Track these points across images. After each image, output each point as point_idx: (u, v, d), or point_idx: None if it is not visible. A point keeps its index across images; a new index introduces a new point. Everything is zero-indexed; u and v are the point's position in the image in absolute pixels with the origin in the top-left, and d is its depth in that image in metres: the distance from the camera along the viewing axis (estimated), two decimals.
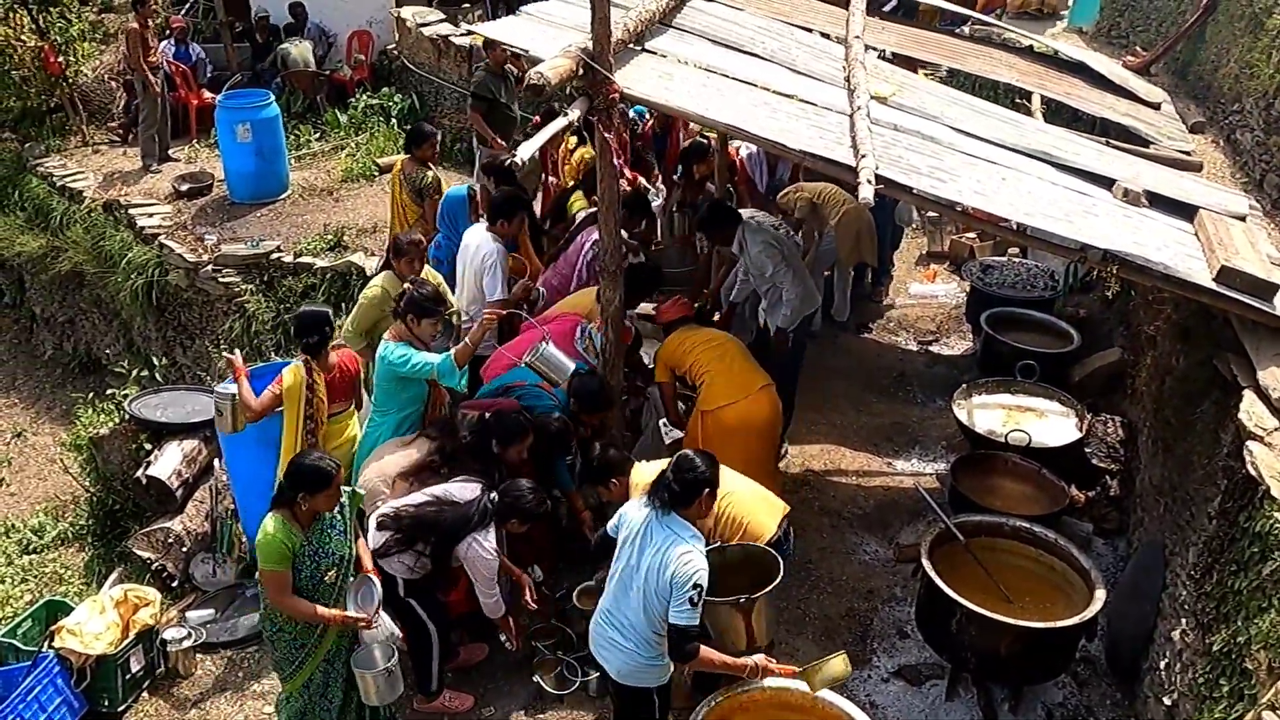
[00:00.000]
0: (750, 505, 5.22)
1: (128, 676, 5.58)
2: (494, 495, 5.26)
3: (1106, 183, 6.13)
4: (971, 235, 10.17)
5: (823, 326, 9.04)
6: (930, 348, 9.15)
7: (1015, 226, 5.15)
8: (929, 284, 9.97)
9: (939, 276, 10.12)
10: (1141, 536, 6.30)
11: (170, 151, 12.81)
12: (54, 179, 12.63)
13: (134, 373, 8.18)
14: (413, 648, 5.44)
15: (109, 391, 7.87)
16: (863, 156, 5.27)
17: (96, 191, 12.19)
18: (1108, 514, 6.73)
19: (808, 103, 6.18)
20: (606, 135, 5.40)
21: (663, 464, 5.64)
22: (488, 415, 5.62)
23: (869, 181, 5.00)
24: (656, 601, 4.47)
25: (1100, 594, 5.26)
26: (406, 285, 6.13)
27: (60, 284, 12.39)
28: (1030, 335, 8.07)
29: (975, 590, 5.35)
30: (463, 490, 5.26)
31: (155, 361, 9.45)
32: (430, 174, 8.37)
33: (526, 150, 4.89)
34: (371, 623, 4.83)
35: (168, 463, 6.64)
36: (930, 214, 10.35)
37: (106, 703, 5.55)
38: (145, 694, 5.74)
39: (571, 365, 5.93)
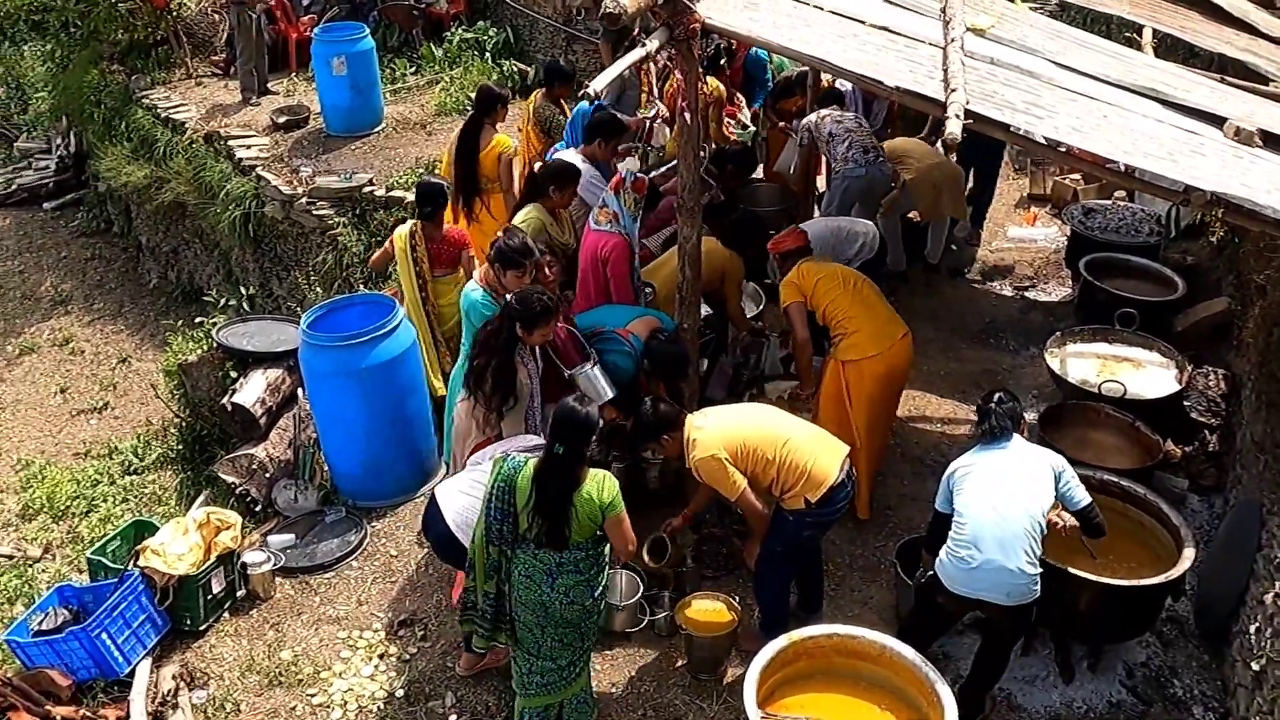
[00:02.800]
0: (811, 450, 5.09)
1: (209, 597, 5.73)
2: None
3: (1218, 121, 5.78)
4: (1075, 177, 9.75)
5: (913, 269, 8.80)
6: (1026, 294, 8.84)
7: (1113, 166, 4.88)
8: (1028, 227, 9.61)
9: (1039, 220, 9.74)
10: (1239, 494, 6.04)
11: (269, 84, 12.94)
12: (158, 110, 12.85)
13: (223, 301, 8.34)
14: None
15: (199, 320, 8.04)
16: (952, 91, 5.03)
17: (198, 123, 12.38)
18: (1205, 470, 6.46)
19: (899, 34, 5.93)
20: (687, 68, 5.25)
21: (728, 410, 5.57)
22: (509, 298, 5.49)
23: (957, 116, 4.78)
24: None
25: (1189, 552, 5.06)
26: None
27: (164, 214, 12.71)
28: (1133, 282, 7.74)
29: (1058, 544, 5.16)
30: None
31: (244, 292, 9.62)
32: (559, 114, 8.32)
33: (600, 82, 4.77)
34: None
35: (252, 390, 6.76)
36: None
37: (189, 621, 5.72)
38: (226, 614, 5.89)
39: (609, 395, 5.72)
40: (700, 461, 5.04)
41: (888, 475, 6.68)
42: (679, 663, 5.49)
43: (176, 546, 5.64)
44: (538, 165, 7.04)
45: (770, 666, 4.64)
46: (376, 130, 11.91)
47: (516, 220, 6.62)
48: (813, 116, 8.24)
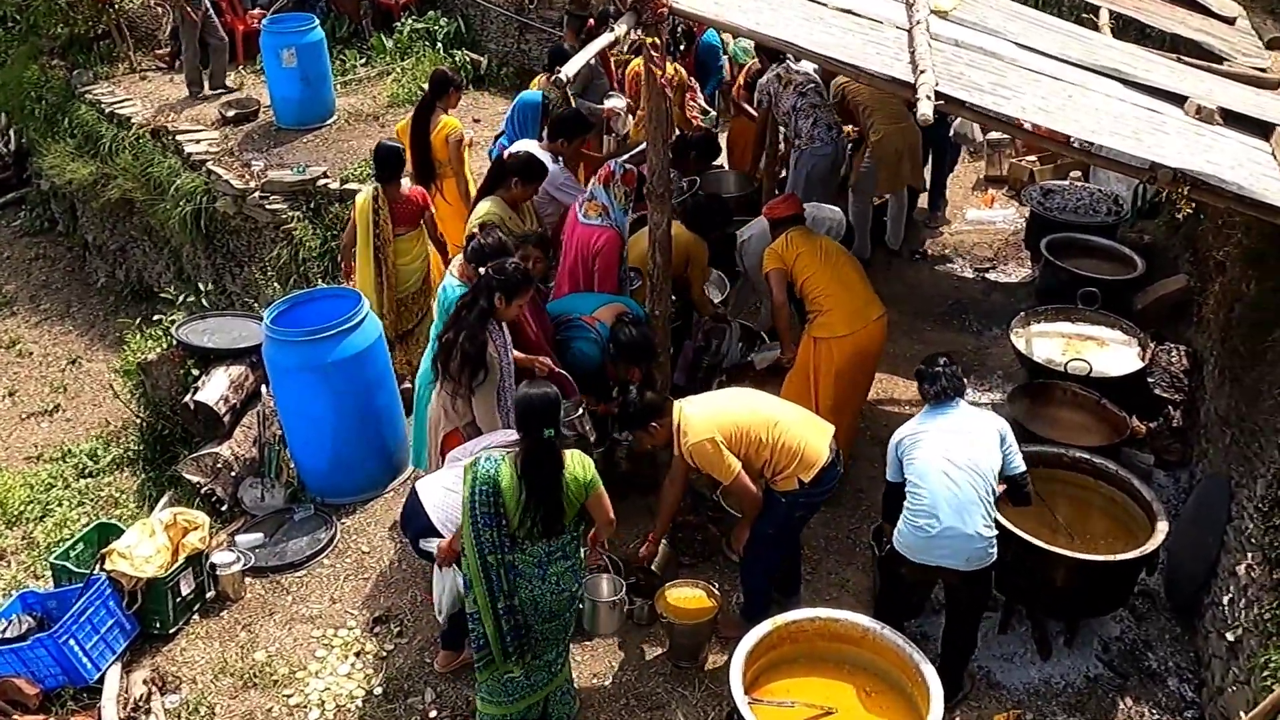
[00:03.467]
0: (802, 431, 5.09)
1: (178, 599, 5.61)
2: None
3: (1178, 100, 5.85)
4: (1032, 159, 9.84)
5: (874, 253, 8.83)
6: (987, 275, 8.92)
7: (1080, 145, 4.91)
8: (986, 209, 9.69)
9: (997, 201, 9.82)
10: (1205, 469, 6.12)
11: (227, 81, 12.68)
12: (102, 105, 12.55)
13: (181, 298, 8.18)
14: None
15: (156, 317, 7.86)
16: (921, 73, 5.04)
17: (144, 118, 12.12)
18: (1170, 445, 6.54)
19: (863, 17, 5.94)
20: (654, 53, 5.21)
21: (715, 395, 5.55)
22: (485, 269, 5.38)
23: (928, 98, 4.79)
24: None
25: (1162, 526, 5.13)
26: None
27: (111, 211, 12.40)
28: (1092, 262, 7.81)
29: (1031, 522, 5.22)
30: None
31: (200, 288, 9.42)
32: (560, 97, 8.26)
33: (572, 67, 4.72)
34: None
35: (215, 388, 6.62)
36: (990, 136, 10.05)
37: (158, 624, 5.59)
38: (196, 617, 5.78)
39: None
40: (694, 446, 5.00)
41: (858, 458, 6.69)
42: (659, 651, 5.47)
43: (143, 549, 5.52)
44: (506, 153, 6.90)
45: (755, 651, 4.64)
46: (328, 123, 11.74)
47: (475, 215, 6.52)
48: (770, 80, 8.17)
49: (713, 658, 5.41)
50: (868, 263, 8.64)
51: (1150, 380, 6.74)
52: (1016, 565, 5.10)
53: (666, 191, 5.61)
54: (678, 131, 8.17)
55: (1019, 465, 4.92)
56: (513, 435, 4.98)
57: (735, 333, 7.10)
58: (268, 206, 10.41)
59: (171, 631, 5.62)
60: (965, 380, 5.15)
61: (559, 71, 4.62)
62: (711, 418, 5.05)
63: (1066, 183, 8.94)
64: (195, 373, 6.88)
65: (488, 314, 5.26)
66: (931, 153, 9.19)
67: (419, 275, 7.28)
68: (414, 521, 4.93)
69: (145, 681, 5.34)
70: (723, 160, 9.65)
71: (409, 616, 5.74)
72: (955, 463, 4.73)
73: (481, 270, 5.36)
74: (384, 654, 5.52)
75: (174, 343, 7.09)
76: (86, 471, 9.07)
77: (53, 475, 9.20)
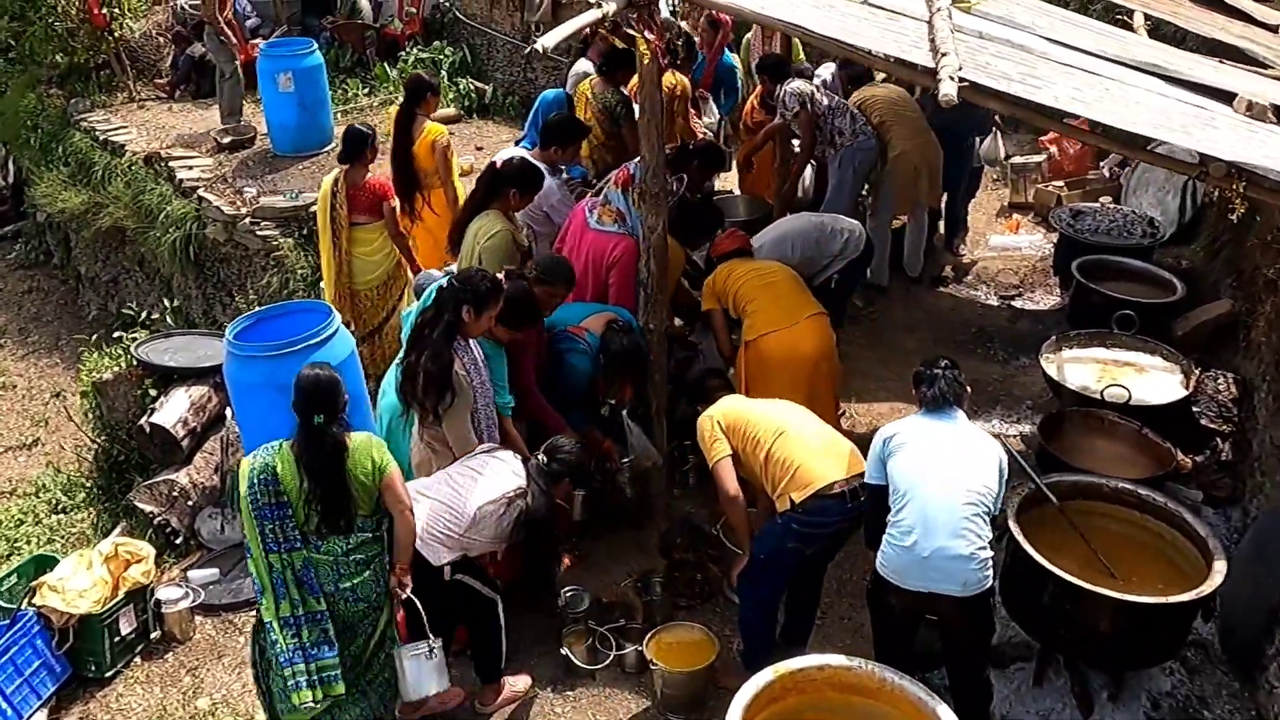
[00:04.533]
0: (808, 449, 4.56)
1: (116, 639, 5.07)
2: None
3: (1226, 98, 5.32)
4: (1059, 184, 9.32)
5: (892, 281, 8.31)
6: (1013, 303, 8.35)
7: (1123, 134, 4.40)
8: (1011, 235, 9.15)
9: (1022, 227, 9.28)
10: (1261, 504, 5.52)
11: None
12: (97, 133, 12.27)
13: (144, 316, 7.70)
14: (475, 633, 4.79)
15: (116, 334, 7.34)
16: (943, 55, 4.54)
17: (139, 145, 11.79)
18: (1219, 480, 5.93)
19: (879, 7, 5.46)
20: (647, 36, 4.73)
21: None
22: (448, 280, 4.90)
23: (951, 79, 4.27)
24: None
25: (1220, 565, 4.51)
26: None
27: (103, 241, 12.08)
28: (1127, 286, 7.26)
29: (1070, 560, 4.61)
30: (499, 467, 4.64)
31: (168, 305, 9.00)
32: (621, 101, 7.78)
33: (551, 39, 4.24)
34: None
35: (173, 410, 6.11)
36: (1014, 160, 9.56)
37: (93, 667, 5.05)
38: (138, 659, 5.23)
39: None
40: (699, 418, 4.87)
41: None
42: (649, 704, 4.87)
43: (78, 582, 4.98)
44: (499, 161, 6.35)
45: (755, 703, 4.03)
46: (326, 150, 11.30)
47: (479, 234, 5.94)
48: (801, 85, 7.64)
49: (710, 713, 4.81)
50: (885, 290, 8.19)
51: (1196, 410, 6.17)
52: (1055, 608, 4.50)
53: (662, 191, 5.10)
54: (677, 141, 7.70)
55: (998, 510, 4.38)
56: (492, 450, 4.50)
57: (706, 361, 6.50)
58: (258, 233, 9.99)
59: (108, 675, 5.09)
60: (967, 391, 4.59)
61: (534, 42, 4.13)
62: (728, 403, 4.88)
63: (1098, 205, 8.40)
64: (154, 393, 6.37)
65: (454, 329, 4.72)
66: (951, 178, 8.70)
67: (382, 270, 7.04)
68: None
69: None
70: (734, 185, 9.24)
71: None
72: (950, 474, 4.19)
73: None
74: None
75: (133, 362, 6.59)
76: (60, 507, 8.57)
77: (24, 511, 8.73)
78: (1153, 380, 6.38)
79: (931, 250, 8.71)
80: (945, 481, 4.17)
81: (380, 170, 7.40)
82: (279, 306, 6.40)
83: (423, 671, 4.30)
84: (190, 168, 11.18)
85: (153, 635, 5.28)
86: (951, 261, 8.76)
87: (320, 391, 4.16)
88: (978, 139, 8.45)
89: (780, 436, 4.60)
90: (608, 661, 4.99)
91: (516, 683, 4.89)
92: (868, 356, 7.44)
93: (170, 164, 11.25)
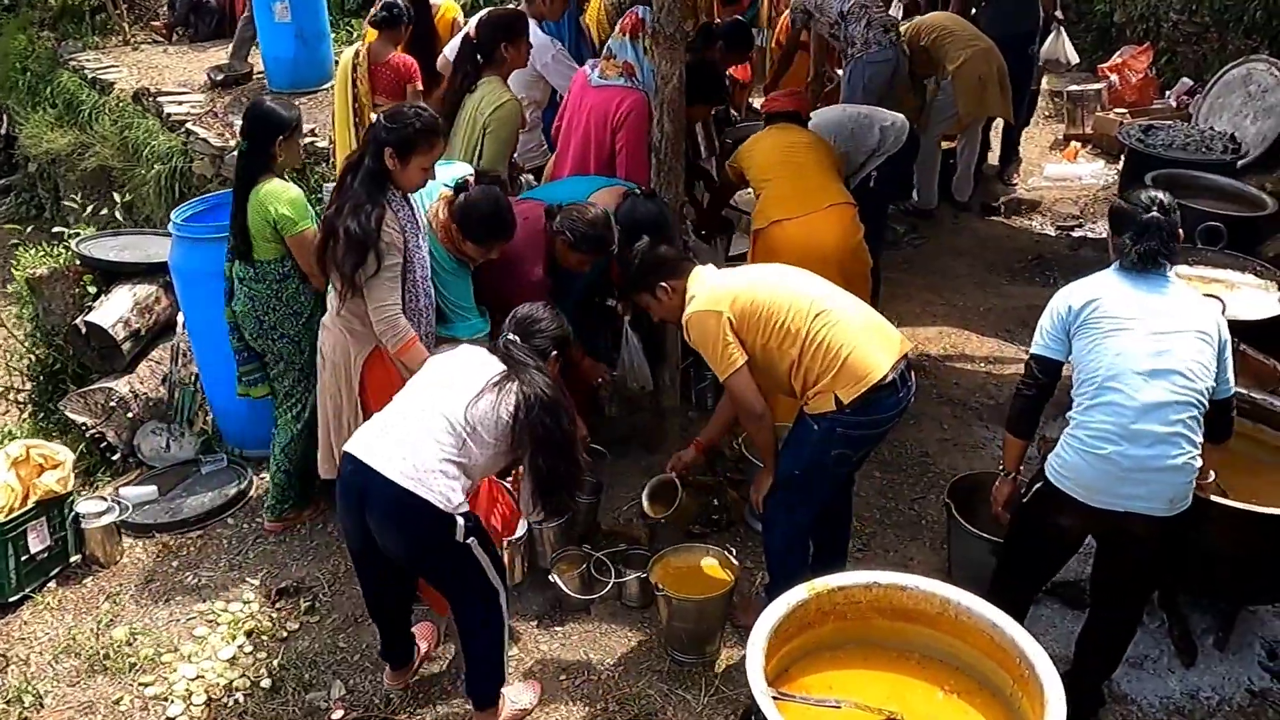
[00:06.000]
0: (854, 332, 3.59)
1: (25, 558, 4.27)
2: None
3: None
4: (1121, 110, 8.43)
5: (940, 205, 7.48)
6: (1072, 233, 7.48)
7: None
8: (1069, 164, 8.27)
9: (1081, 155, 8.40)
10: None
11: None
12: (86, 72, 11.61)
13: (90, 209, 6.92)
14: (466, 638, 3.57)
15: (55, 229, 6.51)
16: None
17: (127, 84, 11.10)
18: None
19: None
20: None
21: (752, 267, 4.35)
22: (377, 117, 3.96)
23: None
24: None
25: None
26: None
27: (89, 183, 11.35)
28: (1207, 202, 6.38)
29: None
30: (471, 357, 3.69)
31: (117, 199, 8.16)
32: None
33: None
34: None
35: (114, 309, 5.31)
36: (1070, 89, 8.69)
37: None
38: (52, 584, 4.42)
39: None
40: (694, 316, 3.67)
41: (924, 418, 5.29)
42: (654, 640, 4.04)
43: None
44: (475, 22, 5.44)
45: (784, 627, 3.14)
46: (325, 87, 10.52)
47: (482, 105, 4.91)
48: None
49: (726, 652, 3.98)
50: (931, 214, 7.37)
51: None
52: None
53: (678, 33, 4.26)
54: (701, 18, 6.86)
55: (1229, 385, 3.41)
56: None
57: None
58: None
59: (13, 600, 4.28)
60: (1178, 243, 3.44)
61: None
62: (731, 289, 3.68)
63: (1170, 122, 7.51)
64: (94, 290, 5.58)
65: (378, 177, 3.83)
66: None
67: None
68: (375, 497, 3.28)
69: None
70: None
71: (325, 590, 4.35)
72: (1165, 362, 3.22)
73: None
74: (284, 635, 4.12)
75: (72, 258, 5.81)
76: None
77: None
78: (1245, 296, 5.52)
79: (980, 179, 7.87)
80: (1161, 373, 3.21)
81: None
82: (230, 193, 5.57)
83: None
84: (180, 103, 10.47)
85: (72, 558, 4.47)
86: (1003, 191, 7.90)
87: (252, 117, 4.33)
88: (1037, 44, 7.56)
89: (818, 318, 3.61)
90: (604, 591, 4.13)
91: (520, 698, 3.78)
92: (914, 282, 6.65)
93: (159, 99, 10.54)
